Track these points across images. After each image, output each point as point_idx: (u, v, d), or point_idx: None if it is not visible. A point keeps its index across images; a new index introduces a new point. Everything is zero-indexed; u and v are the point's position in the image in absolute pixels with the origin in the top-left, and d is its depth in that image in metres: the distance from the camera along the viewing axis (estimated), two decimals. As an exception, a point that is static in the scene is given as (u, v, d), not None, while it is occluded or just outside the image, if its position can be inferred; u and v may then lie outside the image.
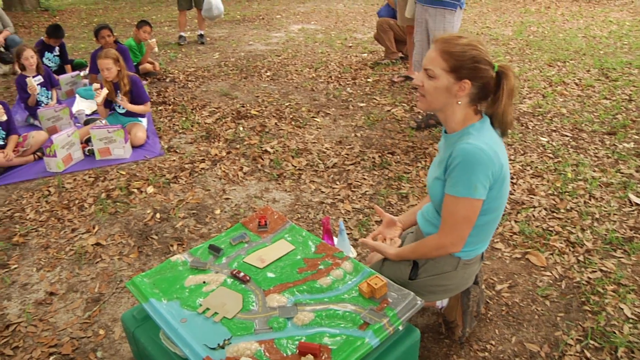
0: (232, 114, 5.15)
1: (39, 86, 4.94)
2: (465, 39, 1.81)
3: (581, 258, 2.83)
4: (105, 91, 4.40)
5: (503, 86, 1.82)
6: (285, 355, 1.63)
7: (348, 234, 3.09)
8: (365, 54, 7.38)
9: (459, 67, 1.79)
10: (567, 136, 4.32)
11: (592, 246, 2.92)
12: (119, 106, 4.60)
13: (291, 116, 5.03)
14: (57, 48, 6.39)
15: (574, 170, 3.75)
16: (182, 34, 8.44)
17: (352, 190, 3.60)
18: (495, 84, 1.84)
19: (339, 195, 3.55)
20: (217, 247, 2.16)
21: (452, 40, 1.81)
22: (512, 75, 1.82)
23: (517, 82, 1.86)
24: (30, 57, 4.88)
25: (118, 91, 4.48)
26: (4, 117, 4.06)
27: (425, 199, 2.31)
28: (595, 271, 2.72)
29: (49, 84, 5.18)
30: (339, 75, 6.34)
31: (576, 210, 3.27)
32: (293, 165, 4.00)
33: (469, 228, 1.88)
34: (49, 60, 6.33)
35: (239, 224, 2.34)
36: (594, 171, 3.73)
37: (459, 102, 1.85)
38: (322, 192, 3.61)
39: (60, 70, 6.45)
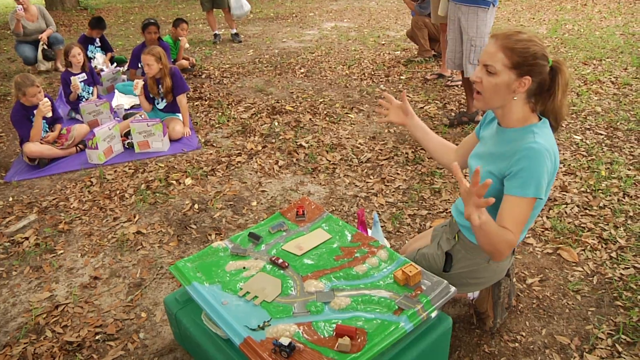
0: (267, 109, 5.25)
1: (82, 83, 5.11)
2: (526, 34, 1.79)
3: (614, 255, 2.84)
4: (140, 82, 4.51)
5: (558, 81, 1.80)
6: (322, 336, 1.70)
7: (381, 226, 3.15)
8: (398, 52, 7.40)
9: (522, 64, 1.76)
10: (601, 134, 4.29)
11: (625, 243, 2.92)
12: (158, 102, 4.73)
13: (325, 112, 5.10)
14: (98, 39, 6.61)
15: (608, 168, 3.74)
16: (216, 32, 8.58)
17: (385, 185, 3.66)
18: (550, 79, 1.82)
19: (372, 189, 3.61)
20: (257, 235, 2.24)
21: (514, 36, 1.78)
22: (566, 69, 1.80)
23: (570, 77, 1.83)
24: (77, 54, 5.09)
25: (160, 86, 4.61)
26: (50, 114, 4.22)
27: (444, 149, 2.28)
28: (629, 268, 2.72)
29: (92, 81, 5.36)
30: (372, 73, 6.38)
31: (609, 208, 3.27)
32: (327, 160, 4.07)
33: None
34: (92, 52, 6.55)
35: (278, 213, 2.43)
36: (629, 169, 3.70)
37: (515, 98, 1.83)
38: (356, 185, 3.68)
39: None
